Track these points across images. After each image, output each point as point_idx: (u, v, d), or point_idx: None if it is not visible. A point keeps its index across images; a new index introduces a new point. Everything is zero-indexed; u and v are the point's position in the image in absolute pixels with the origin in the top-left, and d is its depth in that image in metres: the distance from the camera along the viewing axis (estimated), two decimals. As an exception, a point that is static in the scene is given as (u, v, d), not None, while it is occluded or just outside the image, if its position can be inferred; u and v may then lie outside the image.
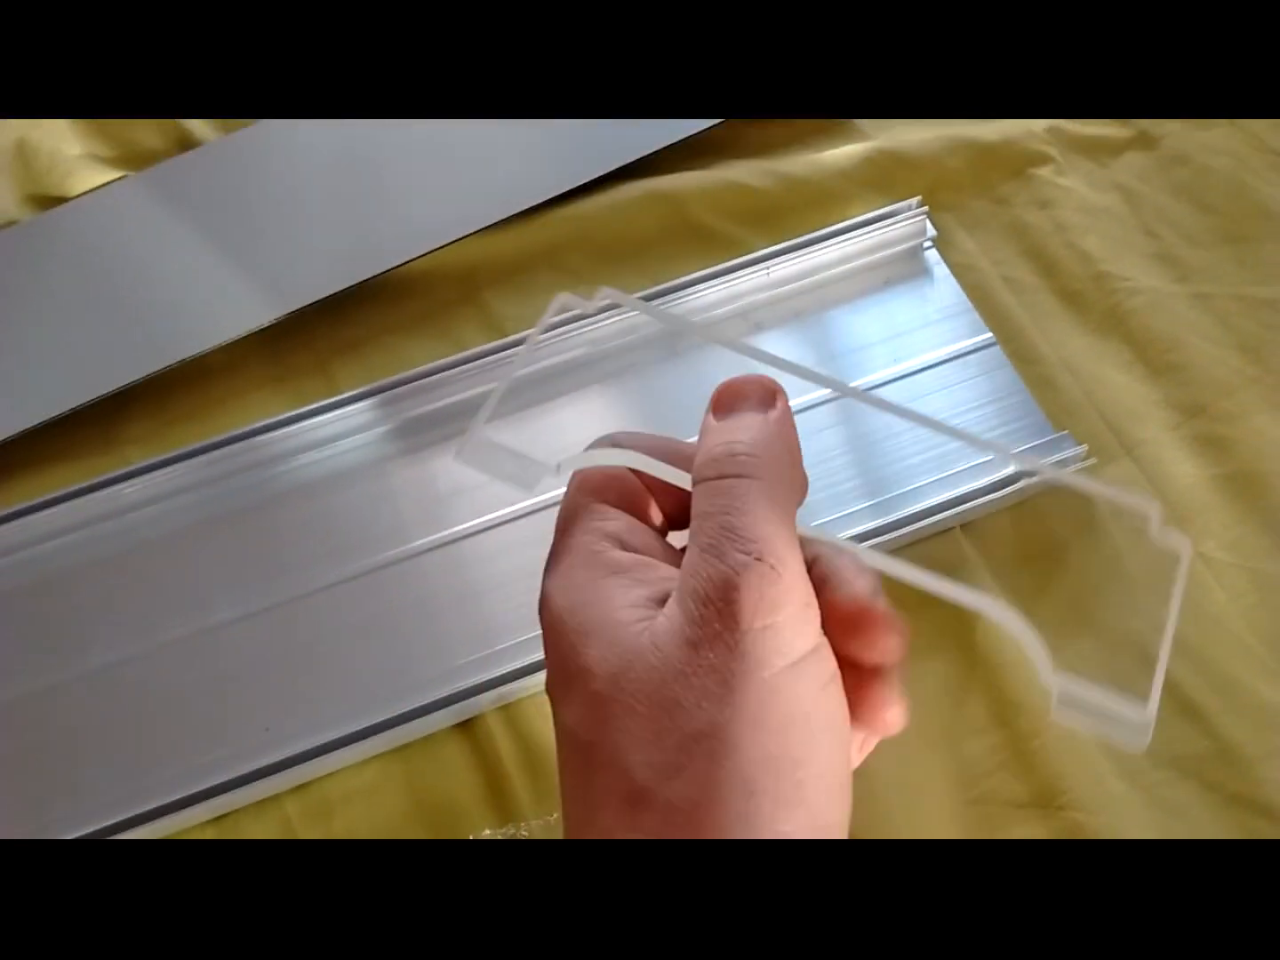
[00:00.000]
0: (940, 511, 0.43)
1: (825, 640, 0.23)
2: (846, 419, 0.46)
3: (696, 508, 0.22)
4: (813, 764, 0.21)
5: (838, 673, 0.23)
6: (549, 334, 0.47)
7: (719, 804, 0.21)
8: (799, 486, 0.23)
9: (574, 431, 0.44)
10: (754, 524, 0.21)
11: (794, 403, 0.45)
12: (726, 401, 0.23)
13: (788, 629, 0.21)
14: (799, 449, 0.23)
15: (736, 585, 0.20)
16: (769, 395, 0.23)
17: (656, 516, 0.27)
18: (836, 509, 0.43)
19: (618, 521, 0.26)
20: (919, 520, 0.43)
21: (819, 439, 0.45)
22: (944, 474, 0.44)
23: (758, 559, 0.20)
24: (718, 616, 0.20)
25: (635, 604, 0.23)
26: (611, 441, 0.26)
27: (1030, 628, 0.23)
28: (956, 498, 0.43)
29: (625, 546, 0.25)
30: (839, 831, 0.22)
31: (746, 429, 0.22)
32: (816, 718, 0.21)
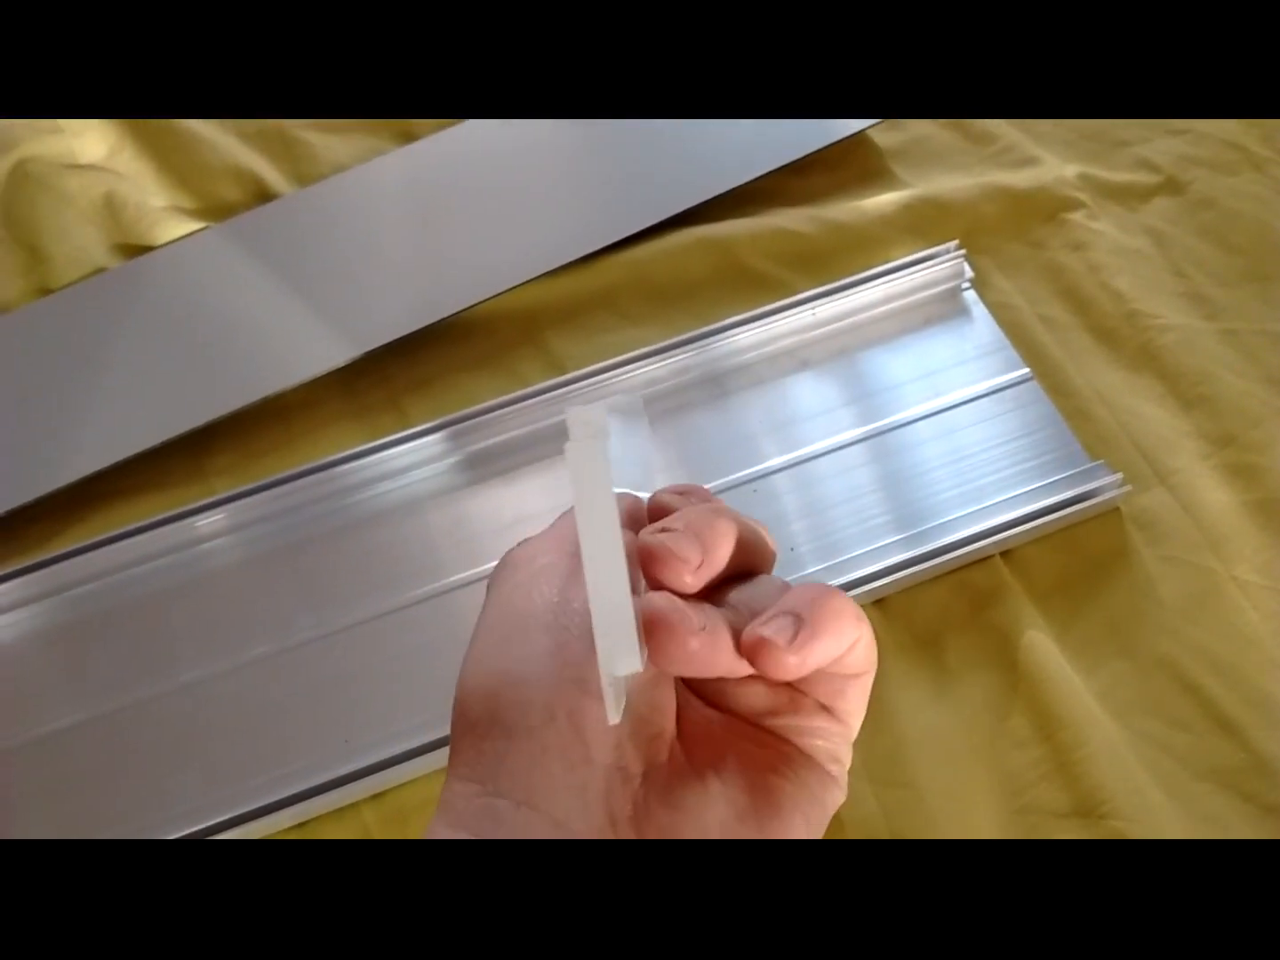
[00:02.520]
0: (977, 541, 0.45)
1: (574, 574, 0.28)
2: (879, 457, 0.48)
3: None
4: (529, 625, 0.27)
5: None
6: (604, 374, 0.50)
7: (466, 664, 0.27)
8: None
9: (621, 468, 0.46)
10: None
11: (826, 444, 0.47)
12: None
13: (530, 554, 0.29)
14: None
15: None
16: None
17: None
18: (868, 542, 0.45)
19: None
20: (956, 549, 0.45)
21: (850, 476, 0.48)
22: (981, 505, 0.46)
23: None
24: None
25: None
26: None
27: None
28: (993, 528, 0.45)
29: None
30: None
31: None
32: (533, 601, 0.28)
